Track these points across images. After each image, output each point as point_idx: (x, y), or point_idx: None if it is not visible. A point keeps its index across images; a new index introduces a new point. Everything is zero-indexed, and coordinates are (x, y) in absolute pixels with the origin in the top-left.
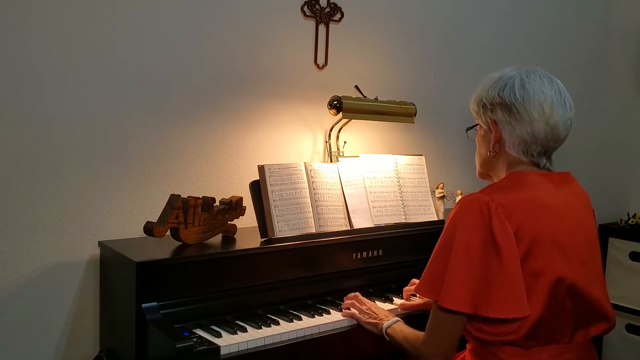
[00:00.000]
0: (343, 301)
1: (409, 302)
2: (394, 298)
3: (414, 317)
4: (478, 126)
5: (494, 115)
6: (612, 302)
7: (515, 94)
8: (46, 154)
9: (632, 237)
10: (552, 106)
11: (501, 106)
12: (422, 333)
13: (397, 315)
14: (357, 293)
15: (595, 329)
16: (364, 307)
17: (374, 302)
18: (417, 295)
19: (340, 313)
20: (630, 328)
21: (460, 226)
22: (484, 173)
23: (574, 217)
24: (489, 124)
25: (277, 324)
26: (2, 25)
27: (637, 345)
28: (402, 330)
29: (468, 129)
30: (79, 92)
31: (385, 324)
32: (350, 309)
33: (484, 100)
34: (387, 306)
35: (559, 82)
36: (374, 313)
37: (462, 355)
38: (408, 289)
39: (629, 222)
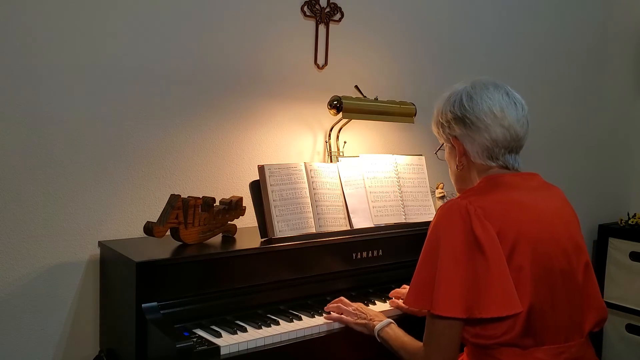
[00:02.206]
0: None
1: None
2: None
3: (407, 319)
4: (444, 145)
5: (452, 131)
6: (612, 302)
7: (464, 106)
8: (46, 154)
9: (632, 237)
10: (502, 109)
11: (455, 121)
12: (422, 344)
13: (388, 316)
14: (341, 297)
15: (589, 322)
16: (350, 309)
17: (374, 302)
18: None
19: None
20: (630, 328)
21: (443, 233)
22: (462, 189)
23: (552, 211)
24: (451, 140)
25: (277, 324)
26: (1, 25)
27: (637, 345)
28: (399, 336)
29: (436, 151)
30: (78, 92)
31: (378, 325)
32: (334, 313)
33: (440, 119)
34: (385, 307)
35: (506, 85)
36: (363, 313)
37: (461, 358)
38: (396, 291)
39: (629, 222)
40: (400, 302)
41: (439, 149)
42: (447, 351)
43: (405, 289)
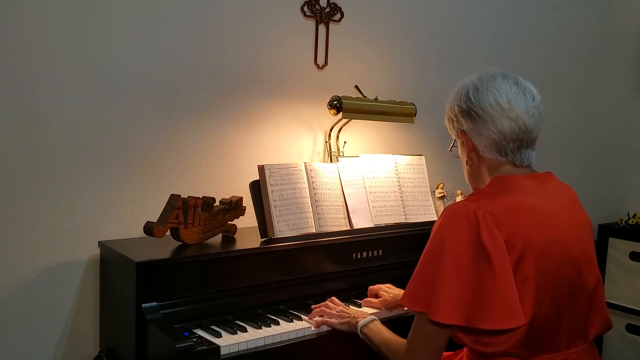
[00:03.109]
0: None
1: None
2: None
3: (391, 320)
4: (457, 141)
5: (460, 126)
6: (612, 302)
7: (470, 99)
8: (46, 154)
9: (632, 237)
10: (510, 100)
11: (462, 114)
12: (405, 341)
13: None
14: (332, 298)
15: (593, 329)
16: (334, 311)
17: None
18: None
19: None
20: (630, 328)
21: (448, 236)
22: (476, 187)
23: (563, 214)
24: (459, 135)
25: (277, 324)
26: (1, 24)
27: (637, 345)
28: (381, 332)
29: (450, 148)
30: (78, 92)
31: (361, 322)
32: (317, 317)
33: (450, 113)
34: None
35: (516, 75)
36: (347, 313)
37: (460, 355)
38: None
39: (629, 222)
40: (374, 300)
41: (452, 145)
42: (432, 352)
43: (372, 291)
